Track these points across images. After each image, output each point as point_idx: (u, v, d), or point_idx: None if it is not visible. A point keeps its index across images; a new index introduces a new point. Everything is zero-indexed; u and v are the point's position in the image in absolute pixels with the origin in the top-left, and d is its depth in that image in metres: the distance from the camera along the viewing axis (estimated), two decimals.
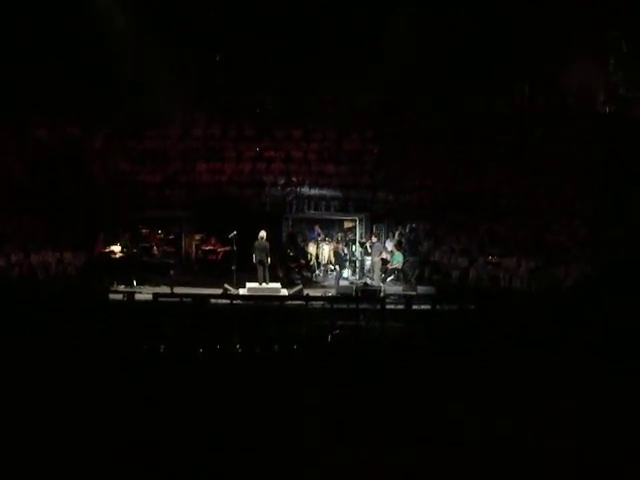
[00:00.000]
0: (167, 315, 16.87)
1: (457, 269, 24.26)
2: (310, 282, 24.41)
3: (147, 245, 24.69)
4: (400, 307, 19.00)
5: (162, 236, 25.55)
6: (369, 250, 24.37)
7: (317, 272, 25.57)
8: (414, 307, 18.62)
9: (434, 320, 17.73)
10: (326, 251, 25.64)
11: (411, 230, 26.09)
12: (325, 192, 27.05)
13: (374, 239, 24.41)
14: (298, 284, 22.97)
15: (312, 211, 26.88)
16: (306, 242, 25.86)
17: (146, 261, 23.71)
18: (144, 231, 25.38)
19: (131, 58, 26.70)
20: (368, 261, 24.58)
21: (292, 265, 24.75)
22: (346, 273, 25.24)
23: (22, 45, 26.19)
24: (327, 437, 9.98)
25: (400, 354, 14.53)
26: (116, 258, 23.23)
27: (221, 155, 28.29)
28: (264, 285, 21.81)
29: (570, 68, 26.86)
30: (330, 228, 26.89)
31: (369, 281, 23.58)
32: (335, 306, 18.57)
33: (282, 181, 27.34)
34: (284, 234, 25.93)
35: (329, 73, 27.74)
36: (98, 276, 22.44)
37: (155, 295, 18.50)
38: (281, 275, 23.90)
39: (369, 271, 24.54)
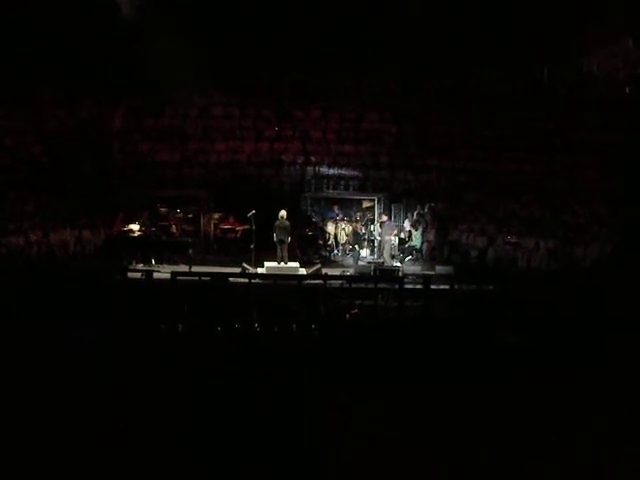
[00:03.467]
0: (185, 294, 16.93)
1: (476, 249, 24.22)
2: (328, 261, 24.39)
3: (166, 224, 24.72)
4: (418, 287, 18.99)
5: (181, 215, 25.52)
6: (379, 230, 24.30)
7: (335, 251, 25.54)
8: (432, 287, 18.63)
9: (452, 300, 17.75)
10: (344, 231, 25.61)
11: (429, 209, 25.99)
12: (344, 172, 26.99)
13: (384, 218, 24.32)
14: (316, 263, 22.98)
15: (331, 190, 26.83)
16: (324, 221, 25.82)
17: (165, 240, 23.73)
18: (163, 210, 25.37)
19: (149, 37, 26.61)
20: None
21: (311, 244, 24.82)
22: (364, 252, 25.21)
23: (40, 25, 26.15)
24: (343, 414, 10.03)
25: (418, 333, 14.55)
26: (135, 237, 23.27)
27: (240, 134, 28.22)
28: (283, 264, 21.84)
29: (589, 48, 26.64)
30: (349, 208, 26.82)
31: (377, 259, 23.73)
32: (353, 285, 18.60)
33: (301, 160, 27.27)
34: (302, 214, 25.91)
35: (348, 53, 27.55)
36: (117, 255, 22.48)
37: (173, 274, 18.58)
38: (299, 254, 23.88)
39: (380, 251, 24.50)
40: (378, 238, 25.01)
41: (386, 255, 23.26)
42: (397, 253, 23.73)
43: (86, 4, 25.95)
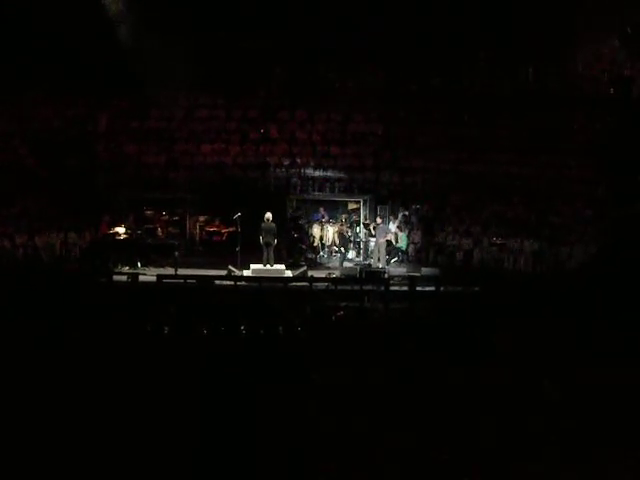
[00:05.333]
0: (171, 296, 16.90)
1: (461, 250, 24.28)
2: (314, 264, 24.38)
3: (151, 226, 24.69)
4: (404, 288, 19.03)
5: (166, 217, 25.53)
6: (373, 232, 24.30)
7: (321, 253, 25.55)
8: (418, 288, 18.66)
9: (438, 301, 17.77)
10: (330, 233, 25.62)
11: (415, 211, 26.04)
12: (329, 173, 26.98)
13: (378, 220, 24.31)
14: (302, 265, 22.98)
15: (316, 192, 26.82)
16: (310, 224, 25.82)
17: (150, 242, 23.68)
18: (148, 212, 25.37)
19: (135, 38, 26.57)
20: (372, 243, 24.46)
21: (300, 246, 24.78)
22: (350, 254, 25.24)
23: (27, 26, 26.06)
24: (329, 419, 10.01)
25: (403, 335, 14.55)
26: (120, 239, 23.21)
27: (225, 136, 28.17)
28: (268, 267, 21.82)
29: (574, 50, 26.76)
30: (334, 209, 26.85)
31: (371, 262, 23.66)
32: (339, 287, 18.62)
33: (286, 162, 27.25)
34: (288, 216, 25.89)
35: (334, 54, 27.57)
36: (102, 257, 22.41)
37: (159, 276, 18.56)
38: (285, 256, 23.87)
39: (371, 253, 24.46)
40: (364, 240, 25.05)
41: (381, 257, 23.17)
42: (385, 255, 23.73)
43: (72, 5, 25.86)
